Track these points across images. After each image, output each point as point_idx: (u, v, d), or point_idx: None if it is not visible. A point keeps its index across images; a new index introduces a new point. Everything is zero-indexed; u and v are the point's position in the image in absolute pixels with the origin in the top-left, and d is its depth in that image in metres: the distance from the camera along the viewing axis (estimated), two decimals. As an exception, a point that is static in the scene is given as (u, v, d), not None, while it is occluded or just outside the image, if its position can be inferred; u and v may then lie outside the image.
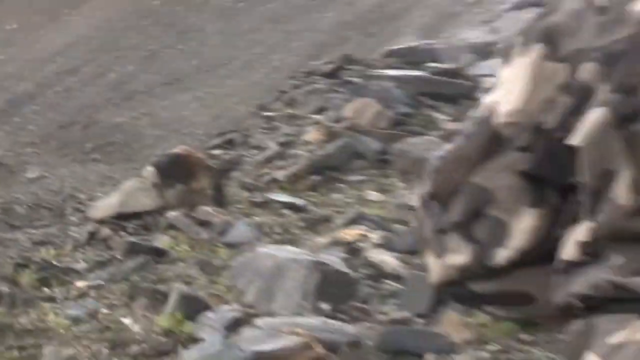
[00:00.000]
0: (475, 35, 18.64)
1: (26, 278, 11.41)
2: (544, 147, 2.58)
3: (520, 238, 2.70)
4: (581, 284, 2.49)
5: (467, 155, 2.78)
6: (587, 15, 2.63)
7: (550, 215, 2.59)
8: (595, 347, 2.55)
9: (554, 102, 2.65)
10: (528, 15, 19.21)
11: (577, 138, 2.52)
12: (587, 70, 2.49)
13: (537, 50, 2.68)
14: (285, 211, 11.77)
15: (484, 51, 17.31)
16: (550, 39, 2.71)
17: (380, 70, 16.36)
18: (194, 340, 8.85)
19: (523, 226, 2.69)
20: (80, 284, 10.91)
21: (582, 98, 2.41)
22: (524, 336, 9.24)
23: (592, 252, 2.47)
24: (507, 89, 2.65)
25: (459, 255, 2.80)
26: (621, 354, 2.43)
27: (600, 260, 2.40)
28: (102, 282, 10.80)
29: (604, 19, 2.63)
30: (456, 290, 2.98)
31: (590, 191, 2.52)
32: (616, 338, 2.45)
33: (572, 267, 2.48)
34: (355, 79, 16.85)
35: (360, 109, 14.55)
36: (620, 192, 2.36)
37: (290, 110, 16.51)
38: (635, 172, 2.34)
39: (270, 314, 9.25)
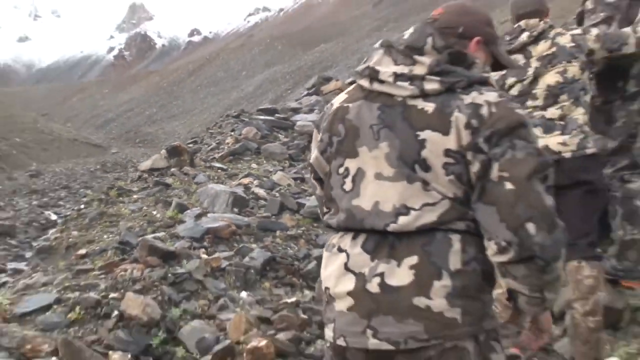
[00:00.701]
0: (293, 104, 18.60)
1: (112, 193, 11.43)
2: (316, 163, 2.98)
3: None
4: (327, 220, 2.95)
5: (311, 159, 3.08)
6: (324, 115, 2.91)
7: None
8: (326, 246, 2.88)
9: (318, 145, 2.90)
10: (312, 97, 19.51)
11: (310, 158, 3.06)
12: (319, 136, 2.87)
13: (314, 129, 3.04)
14: (219, 170, 11.91)
15: (296, 110, 17.09)
16: (317, 125, 2.98)
17: (256, 116, 16.36)
18: (182, 222, 8.89)
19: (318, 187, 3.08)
20: (135, 196, 11.05)
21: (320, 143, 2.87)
22: (315, 224, 9.36)
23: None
24: None
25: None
26: (328, 250, 2.81)
27: None
28: (144, 196, 10.91)
29: (325, 115, 2.94)
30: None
31: (325, 176, 2.92)
32: (328, 241, 2.87)
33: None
34: (246, 119, 16.36)
35: (248, 131, 14.51)
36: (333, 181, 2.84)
37: (219, 130, 16.66)
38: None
39: (213, 212, 9.42)
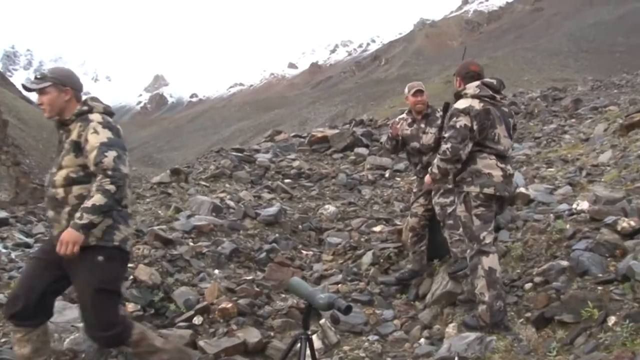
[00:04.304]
0: (255, 146, 17.76)
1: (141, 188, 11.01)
2: None
3: None
4: None
5: None
6: (472, 109, 4.58)
7: None
8: (481, 156, 4.62)
9: (477, 122, 4.58)
10: (268, 143, 18.78)
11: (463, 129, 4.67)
12: (474, 120, 4.64)
13: (466, 116, 4.59)
14: (204, 187, 11.26)
15: (257, 151, 16.19)
16: (467, 113, 4.56)
17: (230, 152, 15.34)
18: (177, 219, 8.57)
19: None
20: (147, 200, 10.27)
21: None
22: (266, 228, 9.20)
23: None
24: None
25: None
26: (485, 159, 4.66)
27: None
28: (153, 200, 10.15)
29: (473, 110, 4.58)
30: None
31: (476, 134, 4.63)
32: (482, 155, 4.65)
33: None
34: (223, 154, 15.06)
35: (225, 162, 13.72)
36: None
37: (205, 160, 15.76)
38: None
39: (199, 215, 9.09)
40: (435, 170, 4.64)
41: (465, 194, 4.54)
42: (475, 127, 4.45)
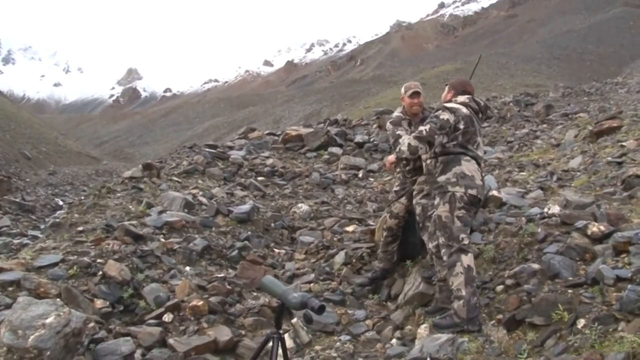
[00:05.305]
0: (228, 143, 17.56)
1: (103, 191, 10.61)
2: None
3: None
4: None
5: None
6: (458, 112, 4.96)
7: None
8: (464, 158, 4.88)
9: (464, 123, 4.96)
10: (241, 140, 18.66)
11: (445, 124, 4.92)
12: (461, 119, 4.95)
13: (451, 114, 4.92)
14: (177, 183, 11.13)
15: (231, 148, 16.07)
16: (453, 112, 4.88)
17: (203, 148, 15.17)
18: (149, 215, 8.48)
19: None
20: (118, 194, 10.21)
21: None
22: (239, 225, 9.14)
23: None
24: None
25: None
26: (466, 161, 4.87)
27: None
28: (124, 195, 10.05)
29: (459, 113, 4.91)
30: None
31: (457, 132, 4.92)
32: (464, 157, 4.87)
33: None
34: (196, 150, 15.18)
35: (197, 158, 13.33)
36: None
37: (178, 155, 15.57)
38: None
39: (171, 210, 8.98)
40: (404, 147, 4.88)
41: (450, 195, 4.72)
42: (461, 127, 4.80)
